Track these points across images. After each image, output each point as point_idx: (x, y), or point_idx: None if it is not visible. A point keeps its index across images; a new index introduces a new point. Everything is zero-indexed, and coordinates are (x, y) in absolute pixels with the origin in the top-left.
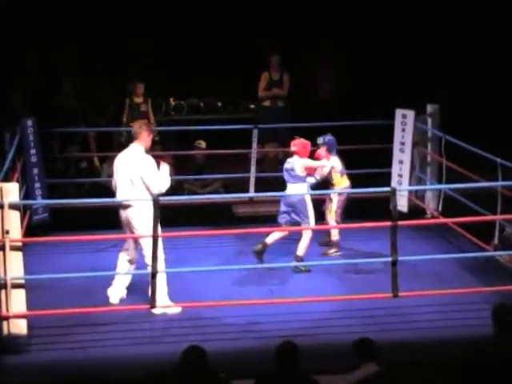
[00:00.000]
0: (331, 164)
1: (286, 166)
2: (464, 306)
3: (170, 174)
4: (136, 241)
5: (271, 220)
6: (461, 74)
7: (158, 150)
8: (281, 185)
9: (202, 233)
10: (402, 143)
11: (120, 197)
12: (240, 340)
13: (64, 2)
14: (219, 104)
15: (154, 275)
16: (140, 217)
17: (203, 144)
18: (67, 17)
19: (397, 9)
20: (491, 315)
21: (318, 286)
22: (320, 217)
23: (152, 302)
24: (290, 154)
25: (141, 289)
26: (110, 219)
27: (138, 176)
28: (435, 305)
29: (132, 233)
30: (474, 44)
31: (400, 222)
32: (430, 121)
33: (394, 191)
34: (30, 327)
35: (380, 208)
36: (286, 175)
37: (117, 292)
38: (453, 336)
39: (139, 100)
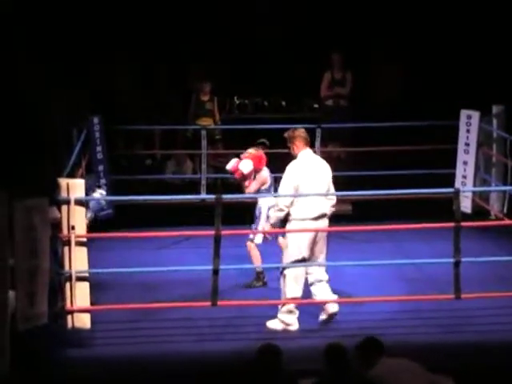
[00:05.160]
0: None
1: (268, 172)
2: None
3: None
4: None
5: (332, 219)
6: None
7: (220, 148)
8: (345, 184)
9: (263, 230)
10: (467, 144)
11: (323, 208)
12: (302, 339)
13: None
14: (283, 103)
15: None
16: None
17: (266, 142)
18: (131, 17)
19: (461, 8)
20: None
21: (380, 286)
22: None
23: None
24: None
25: (203, 284)
26: (174, 216)
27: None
28: (498, 307)
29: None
30: None
31: (463, 223)
32: (495, 122)
33: (457, 192)
34: (93, 322)
35: (444, 209)
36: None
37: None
38: None
39: (205, 98)
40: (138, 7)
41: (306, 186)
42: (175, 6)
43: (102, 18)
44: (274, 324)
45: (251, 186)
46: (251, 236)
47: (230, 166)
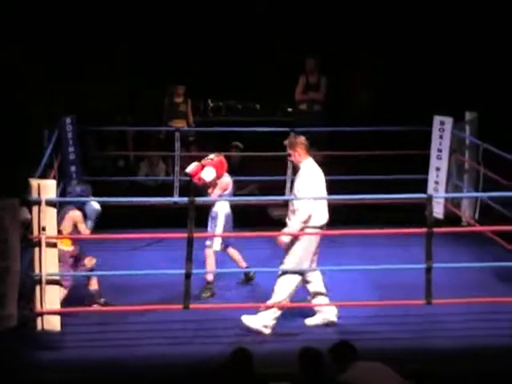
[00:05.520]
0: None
1: (229, 179)
2: (498, 316)
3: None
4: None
5: None
6: (500, 81)
7: (194, 150)
8: None
9: (236, 234)
10: (440, 150)
11: (326, 216)
12: (271, 343)
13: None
14: (257, 106)
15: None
16: None
17: (240, 145)
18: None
19: (434, 15)
20: None
21: (351, 291)
22: None
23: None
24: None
25: (175, 287)
26: (146, 218)
27: None
28: (469, 313)
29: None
30: None
31: (435, 229)
32: (468, 128)
33: (430, 198)
34: (63, 324)
35: (416, 214)
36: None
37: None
38: (485, 346)
39: (179, 100)
40: (116, 10)
41: (319, 195)
42: (152, 9)
43: (80, 21)
44: (250, 320)
45: (214, 193)
46: (208, 242)
47: (189, 169)
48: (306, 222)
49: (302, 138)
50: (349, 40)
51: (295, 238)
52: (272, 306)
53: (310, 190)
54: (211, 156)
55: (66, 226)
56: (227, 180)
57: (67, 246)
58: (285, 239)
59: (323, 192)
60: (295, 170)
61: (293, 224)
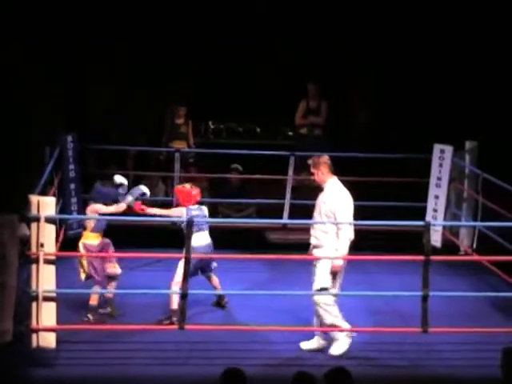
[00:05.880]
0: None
1: (196, 212)
2: (493, 346)
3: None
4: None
5: (304, 247)
6: (501, 111)
7: (193, 171)
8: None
9: (233, 256)
10: (439, 178)
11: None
12: (265, 366)
13: (107, 13)
14: (258, 129)
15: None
16: None
17: (239, 168)
18: (110, 37)
19: (436, 43)
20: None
21: (348, 317)
22: None
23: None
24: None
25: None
26: (144, 238)
27: None
28: (464, 343)
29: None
30: None
31: (433, 257)
32: (467, 157)
33: (428, 225)
34: (58, 341)
35: (413, 242)
36: (199, 223)
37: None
38: (480, 375)
39: (180, 121)
40: (118, 28)
41: (351, 212)
42: (153, 29)
43: (81, 37)
44: (336, 350)
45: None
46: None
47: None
48: (350, 239)
49: (325, 158)
50: (349, 67)
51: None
52: (332, 330)
53: (346, 208)
54: (186, 185)
55: (90, 222)
56: (183, 211)
57: (94, 240)
58: (340, 263)
59: (352, 212)
60: (294, 193)
61: (340, 246)
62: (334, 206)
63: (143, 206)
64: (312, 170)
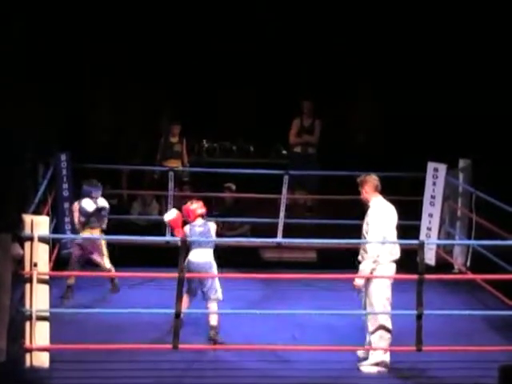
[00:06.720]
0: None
1: (200, 229)
2: (488, 364)
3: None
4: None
5: (297, 266)
6: (494, 129)
7: (187, 190)
8: (310, 231)
9: (227, 275)
10: (433, 196)
11: (398, 250)
12: None
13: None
14: (251, 148)
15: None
16: None
17: (233, 187)
18: (106, 54)
19: (431, 61)
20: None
21: (341, 336)
22: None
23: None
24: (199, 216)
25: (165, 326)
26: (138, 257)
27: None
28: (458, 361)
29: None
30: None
31: (427, 276)
32: (461, 175)
33: (422, 244)
34: (52, 361)
35: (407, 260)
36: (199, 240)
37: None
38: None
39: (174, 140)
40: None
41: (390, 232)
42: (150, 47)
43: (77, 53)
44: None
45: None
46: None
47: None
48: (376, 261)
49: (371, 177)
50: (344, 85)
51: (368, 280)
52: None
53: (378, 229)
54: (190, 202)
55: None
56: (186, 230)
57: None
58: (359, 282)
59: (393, 229)
60: (288, 212)
61: (364, 266)
62: (368, 225)
63: (181, 230)
64: (359, 188)
